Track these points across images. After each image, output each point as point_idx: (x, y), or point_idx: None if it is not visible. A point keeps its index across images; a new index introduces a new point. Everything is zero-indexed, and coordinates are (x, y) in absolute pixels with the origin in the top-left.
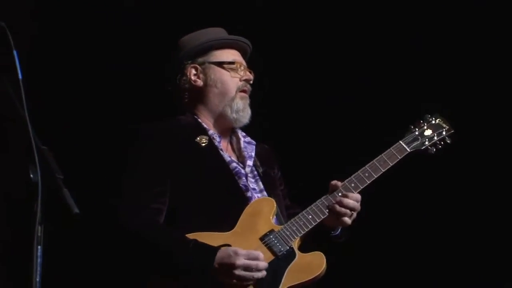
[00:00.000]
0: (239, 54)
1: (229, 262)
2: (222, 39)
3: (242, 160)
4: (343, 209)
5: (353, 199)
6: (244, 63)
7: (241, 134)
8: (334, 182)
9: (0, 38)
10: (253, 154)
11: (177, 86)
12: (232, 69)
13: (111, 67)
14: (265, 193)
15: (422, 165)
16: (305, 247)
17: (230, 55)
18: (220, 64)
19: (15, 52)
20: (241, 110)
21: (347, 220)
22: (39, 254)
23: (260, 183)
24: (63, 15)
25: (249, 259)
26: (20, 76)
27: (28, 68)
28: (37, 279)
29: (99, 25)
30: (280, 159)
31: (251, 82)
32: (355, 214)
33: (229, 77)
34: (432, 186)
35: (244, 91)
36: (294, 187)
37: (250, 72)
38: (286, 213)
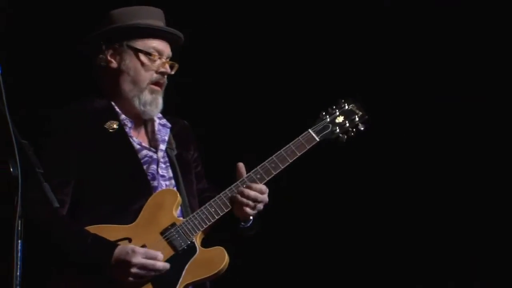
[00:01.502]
0: (166, 45)
1: (125, 260)
2: (148, 26)
3: (155, 144)
4: (244, 200)
5: (257, 190)
6: (166, 54)
7: (157, 116)
8: (239, 168)
9: None
10: (166, 138)
11: (94, 62)
12: (149, 59)
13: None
14: (173, 181)
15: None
16: (210, 241)
17: (152, 44)
18: (137, 51)
19: None
20: (148, 103)
21: (250, 211)
22: (19, 248)
23: (170, 170)
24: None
25: (146, 258)
26: None
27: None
28: (18, 273)
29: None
30: (197, 139)
31: (171, 73)
32: (260, 205)
33: (143, 66)
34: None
35: (157, 83)
36: (211, 167)
37: (172, 65)
38: (200, 197)
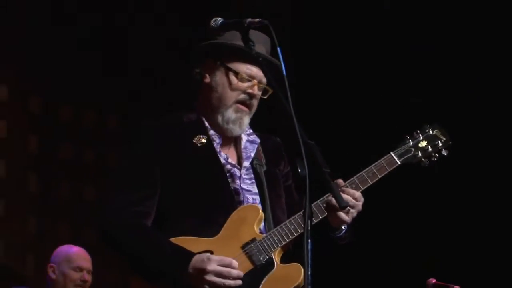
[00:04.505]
0: (259, 70)
1: (201, 267)
2: (241, 48)
3: (240, 161)
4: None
5: (350, 194)
6: (258, 78)
7: (245, 133)
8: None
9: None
10: (252, 154)
11: (192, 74)
12: (238, 79)
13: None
14: (258, 196)
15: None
16: (288, 256)
17: (244, 66)
18: (228, 69)
19: (279, 49)
20: (231, 121)
21: (343, 216)
22: (309, 247)
23: (255, 186)
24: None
25: (221, 265)
26: (284, 73)
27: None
28: (309, 272)
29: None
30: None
31: (262, 97)
32: (353, 212)
33: (231, 85)
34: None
35: (243, 103)
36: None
37: (265, 90)
38: (290, 210)
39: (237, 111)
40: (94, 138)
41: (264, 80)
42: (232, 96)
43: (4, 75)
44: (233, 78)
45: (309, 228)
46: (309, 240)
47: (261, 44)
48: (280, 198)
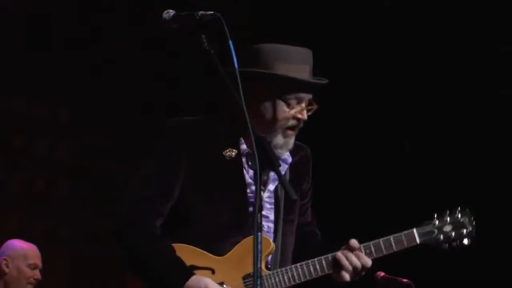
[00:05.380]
0: (307, 93)
1: None
2: (295, 79)
3: (266, 181)
4: (346, 264)
5: (361, 261)
6: (306, 100)
7: None
8: (351, 244)
9: (216, 28)
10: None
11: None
12: (288, 107)
13: None
14: (273, 225)
15: None
16: None
17: (294, 94)
18: (278, 98)
19: (230, 42)
20: (279, 146)
21: (346, 277)
22: (259, 240)
23: (273, 212)
24: None
25: None
26: (236, 66)
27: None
28: (259, 265)
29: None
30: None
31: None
32: (357, 277)
33: (280, 113)
34: None
35: (292, 128)
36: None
37: (309, 109)
38: (299, 231)
39: (285, 136)
40: (46, 130)
41: (310, 97)
42: (281, 123)
43: None
44: (283, 106)
45: (259, 221)
46: (259, 234)
47: (304, 63)
48: (292, 222)
